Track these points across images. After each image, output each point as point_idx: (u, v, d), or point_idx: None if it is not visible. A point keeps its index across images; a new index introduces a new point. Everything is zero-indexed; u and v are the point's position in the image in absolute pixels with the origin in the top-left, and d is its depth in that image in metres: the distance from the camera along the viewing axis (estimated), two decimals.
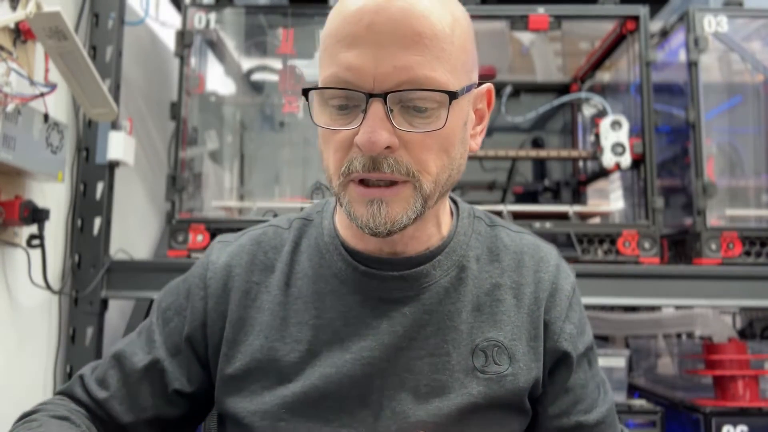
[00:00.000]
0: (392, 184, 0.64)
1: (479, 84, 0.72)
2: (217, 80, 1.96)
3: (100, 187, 1.57)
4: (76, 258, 1.54)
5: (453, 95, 0.63)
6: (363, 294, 0.72)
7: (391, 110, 0.62)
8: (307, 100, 0.66)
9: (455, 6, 0.67)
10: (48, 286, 1.40)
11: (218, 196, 1.89)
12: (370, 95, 0.62)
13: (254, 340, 0.73)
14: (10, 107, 1.16)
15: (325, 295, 0.73)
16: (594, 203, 2.08)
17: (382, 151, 0.62)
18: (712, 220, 1.63)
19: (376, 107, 0.61)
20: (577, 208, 1.71)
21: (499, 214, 1.67)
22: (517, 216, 1.68)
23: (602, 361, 1.64)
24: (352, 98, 0.64)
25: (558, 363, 0.74)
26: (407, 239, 0.72)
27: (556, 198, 2.12)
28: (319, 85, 0.66)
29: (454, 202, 0.80)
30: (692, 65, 1.67)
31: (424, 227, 0.73)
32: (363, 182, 0.65)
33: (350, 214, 0.66)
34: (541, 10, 1.71)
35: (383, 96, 0.61)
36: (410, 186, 0.65)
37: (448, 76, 0.63)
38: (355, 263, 0.73)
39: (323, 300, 0.73)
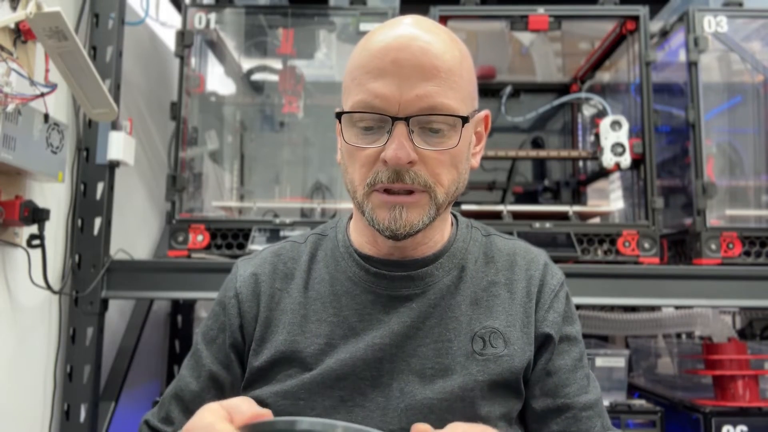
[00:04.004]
0: (411, 193, 0.75)
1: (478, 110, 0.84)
2: (217, 80, 1.96)
3: (100, 187, 1.57)
4: (76, 258, 1.54)
5: (465, 119, 0.74)
6: (375, 293, 0.81)
7: (412, 131, 0.73)
8: (340, 122, 0.77)
9: (461, 45, 0.79)
10: (48, 286, 1.41)
11: (218, 196, 1.89)
12: (396, 118, 0.72)
13: (278, 336, 0.81)
14: (10, 107, 1.16)
15: (340, 296, 0.81)
16: (594, 203, 2.08)
17: (405, 165, 0.72)
18: (712, 220, 1.63)
19: (401, 129, 0.72)
20: (577, 208, 1.71)
21: (499, 214, 1.67)
22: (517, 216, 1.67)
23: (602, 361, 1.64)
24: (377, 121, 0.74)
25: (542, 345, 0.81)
26: (416, 244, 0.81)
27: (556, 198, 2.12)
28: (348, 110, 0.76)
29: (454, 215, 0.90)
30: (692, 65, 1.67)
31: (431, 234, 0.82)
32: (386, 192, 0.75)
33: (372, 219, 0.76)
34: (541, 10, 1.71)
35: (406, 119, 0.72)
36: (426, 196, 0.75)
37: (459, 103, 0.74)
38: (367, 266, 0.82)
39: (339, 300, 0.81)
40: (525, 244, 0.89)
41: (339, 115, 0.77)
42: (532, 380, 0.80)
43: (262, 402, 0.77)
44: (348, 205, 1.69)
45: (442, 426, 0.65)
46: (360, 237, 0.85)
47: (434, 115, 0.72)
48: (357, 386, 0.77)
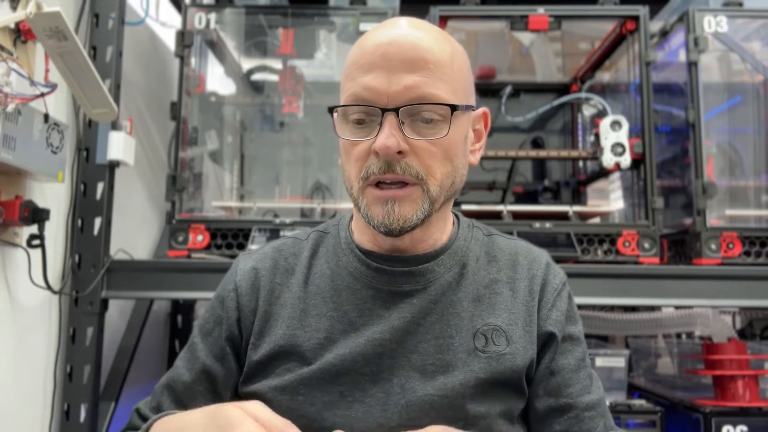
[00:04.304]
0: (404, 186, 0.75)
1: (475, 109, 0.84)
2: (217, 80, 1.96)
3: (100, 187, 1.57)
4: (76, 258, 1.54)
5: (454, 108, 0.74)
6: (375, 288, 0.80)
7: (403, 122, 0.73)
8: (332, 117, 0.78)
9: (456, 44, 0.80)
10: (48, 286, 1.41)
11: (218, 196, 1.89)
12: (385, 110, 0.73)
13: (277, 330, 0.81)
14: (10, 107, 1.16)
15: (341, 291, 0.81)
16: (594, 203, 2.08)
17: (395, 156, 0.73)
18: (712, 220, 1.63)
19: (391, 119, 0.73)
20: (577, 208, 1.71)
21: (499, 214, 1.68)
22: (517, 216, 1.67)
23: (602, 361, 1.65)
24: (369, 113, 0.75)
25: (545, 344, 0.81)
26: (416, 242, 0.81)
27: (556, 198, 2.12)
28: (339, 104, 0.77)
29: (456, 215, 0.90)
30: (692, 65, 1.67)
31: (431, 232, 0.82)
32: (378, 186, 0.75)
33: (367, 216, 0.77)
34: (541, 10, 1.71)
35: (396, 110, 0.73)
36: (419, 189, 0.75)
37: (450, 94, 0.75)
38: (368, 261, 0.82)
39: (339, 295, 0.81)
40: (527, 244, 0.89)
41: (332, 111, 0.78)
42: (535, 379, 0.80)
43: (261, 396, 0.78)
44: (348, 205, 1.69)
45: (442, 423, 0.65)
46: (362, 234, 0.85)
47: (423, 104, 0.73)
48: (357, 381, 0.77)
